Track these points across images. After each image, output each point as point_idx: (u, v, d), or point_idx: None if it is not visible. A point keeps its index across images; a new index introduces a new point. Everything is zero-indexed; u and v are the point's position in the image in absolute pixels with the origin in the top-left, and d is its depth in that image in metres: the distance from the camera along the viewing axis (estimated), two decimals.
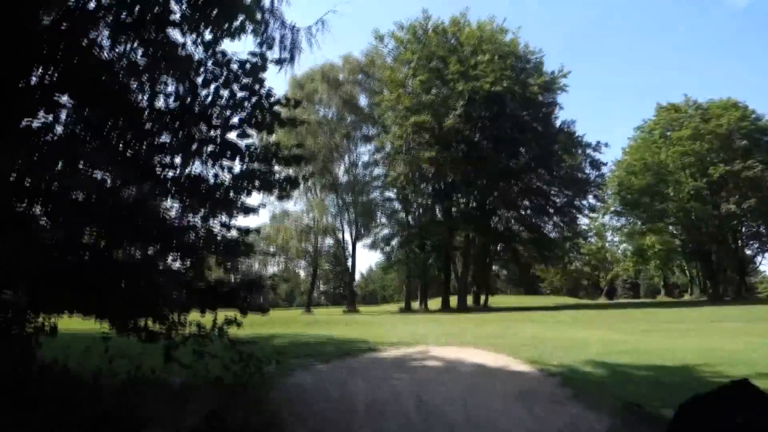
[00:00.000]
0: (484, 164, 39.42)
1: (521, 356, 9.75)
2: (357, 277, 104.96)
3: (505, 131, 40.47)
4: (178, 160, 5.90)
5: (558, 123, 41.87)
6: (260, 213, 7.08)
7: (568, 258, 49.63)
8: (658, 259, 53.31)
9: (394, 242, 46.79)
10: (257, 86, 5.99)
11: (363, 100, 46.89)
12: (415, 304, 44.73)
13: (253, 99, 5.96)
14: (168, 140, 5.71)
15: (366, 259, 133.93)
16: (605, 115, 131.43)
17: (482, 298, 45.75)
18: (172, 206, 6.18)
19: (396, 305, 52.64)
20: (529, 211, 44.58)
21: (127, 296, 5.46)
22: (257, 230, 6.75)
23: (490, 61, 37.54)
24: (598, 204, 47.38)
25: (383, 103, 40.46)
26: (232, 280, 6.83)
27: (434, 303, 45.05)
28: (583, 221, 47.61)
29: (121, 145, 5.58)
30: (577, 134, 41.47)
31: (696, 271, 57.58)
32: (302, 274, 60.40)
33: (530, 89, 39.06)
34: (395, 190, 45.09)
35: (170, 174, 5.82)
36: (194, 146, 5.76)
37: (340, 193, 46.31)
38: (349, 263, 49.29)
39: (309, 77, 45.37)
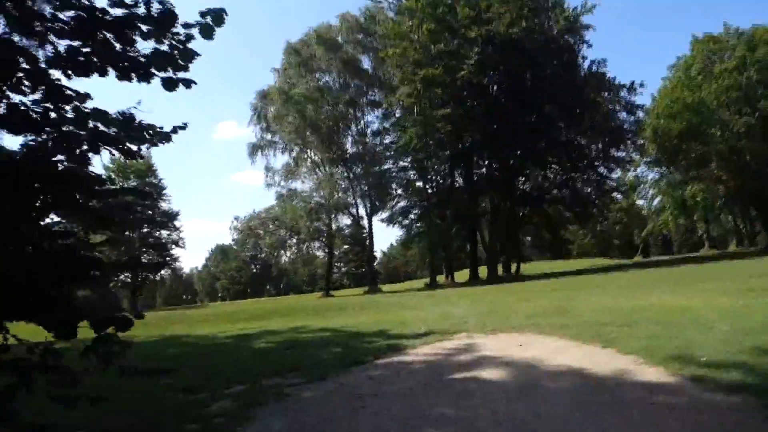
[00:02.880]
0: (505, 119, 35.40)
1: (627, 347, 6.14)
2: (378, 254, 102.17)
3: (525, 80, 36.32)
4: None
5: (586, 65, 37.44)
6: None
7: (605, 215, 45.51)
8: (703, 210, 48.91)
9: (412, 214, 43.10)
10: None
11: (366, 63, 42.91)
12: (441, 278, 41.28)
13: None
14: None
15: (387, 236, 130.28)
16: (633, 55, 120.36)
17: (513, 266, 42.07)
18: None
19: (421, 281, 49.25)
20: (558, 167, 40.39)
21: None
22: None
23: (504, 0, 33.24)
24: (634, 155, 43.07)
25: (388, 59, 36.39)
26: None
27: (461, 275, 41.56)
28: (614, 175, 43.30)
29: None
30: (608, 76, 37.03)
31: (742, 220, 53.02)
32: (321, 255, 57.32)
33: (552, 29, 34.72)
34: (409, 159, 41.30)
35: None
36: None
37: (349, 166, 42.70)
38: (367, 241, 45.95)
39: (304, 43, 41.54)
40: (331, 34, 40.34)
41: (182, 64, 3.32)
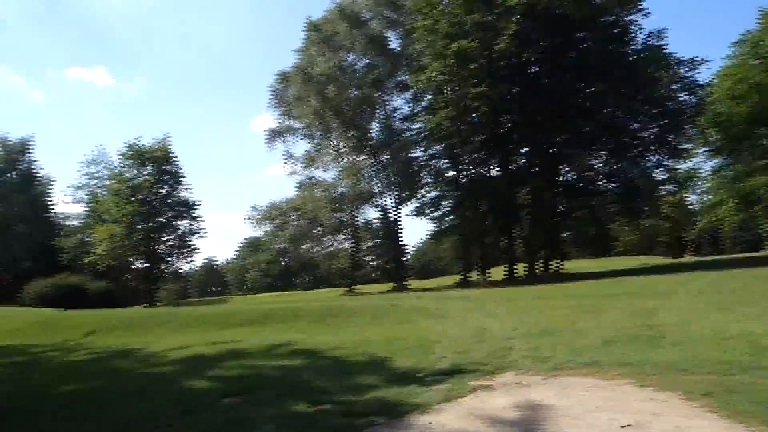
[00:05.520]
0: (546, 100, 31.63)
1: None
2: (409, 248, 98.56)
3: (570, 56, 32.45)
4: None
5: (641, 36, 32.98)
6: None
7: (657, 210, 40.97)
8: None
9: (443, 206, 39.46)
10: None
11: (394, 42, 39.49)
12: (475, 275, 37.75)
13: None
14: None
15: (419, 229, 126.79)
16: (690, 30, 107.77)
17: (553, 264, 38.05)
18: None
19: (452, 278, 45.75)
20: (606, 155, 36.21)
21: None
22: None
23: None
24: (691, 142, 38.25)
25: (417, 32, 32.89)
26: None
27: (496, 273, 37.87)
28: (668, 164, 38.49)
29: None
30: (666, 50, 32.53)
31: None
32: (348, 247, 54.32)
33: None
34: (440, 146, 37.68)
35: None
36: None
37: (375, 153, 39.43)
38: (396, 234, 42.70)
39: (327, 19, 38.41)
40: (355, 8, 37.01)
41: None
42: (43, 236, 52.73)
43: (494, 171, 37.88)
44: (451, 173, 38.84)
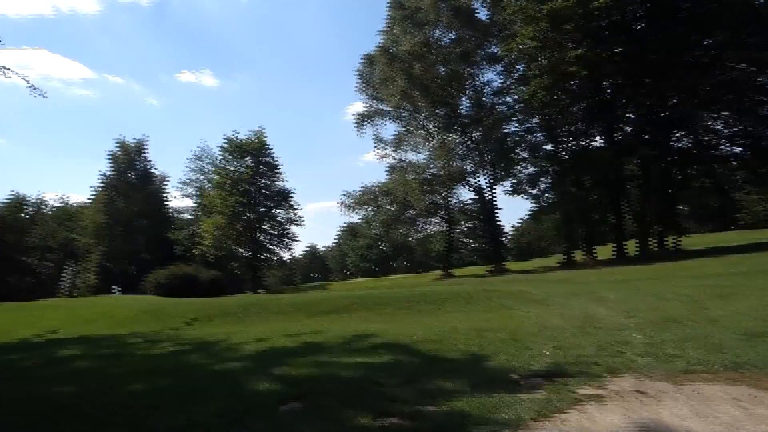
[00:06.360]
0: (655, 58, 28.37)
1: None
2: (508, 229, 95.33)
3: (682, 6, 28.86)
4: None
5: None
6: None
7: None
8: None
9: (542, 183, 37.09)
10: None
11: (482, 13, 37.45)
12: (580, 255, 35.30)
13: None
14: None
15: (518, 208, 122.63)
16: None
17: (669, 240, 34.53)
18: None
19: (555, 258, 43.29)
20: (728, 115, 32.02)
21: None
22: None
23: None
24: None
25: None
26: None
27: (604, 252, 35.16)
28: None
29: None
30: None
31: None
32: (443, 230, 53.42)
33: None
34: (536, 119, 35.34)
35: None
36: None
37: (466, 131, 37.85)
38: (492, 214, 40.96)
39: None
40: None
41: None
42: (160, 229, 57.01)
43: (597, 141, 35.16)
44: (548, 147, 36.52)
